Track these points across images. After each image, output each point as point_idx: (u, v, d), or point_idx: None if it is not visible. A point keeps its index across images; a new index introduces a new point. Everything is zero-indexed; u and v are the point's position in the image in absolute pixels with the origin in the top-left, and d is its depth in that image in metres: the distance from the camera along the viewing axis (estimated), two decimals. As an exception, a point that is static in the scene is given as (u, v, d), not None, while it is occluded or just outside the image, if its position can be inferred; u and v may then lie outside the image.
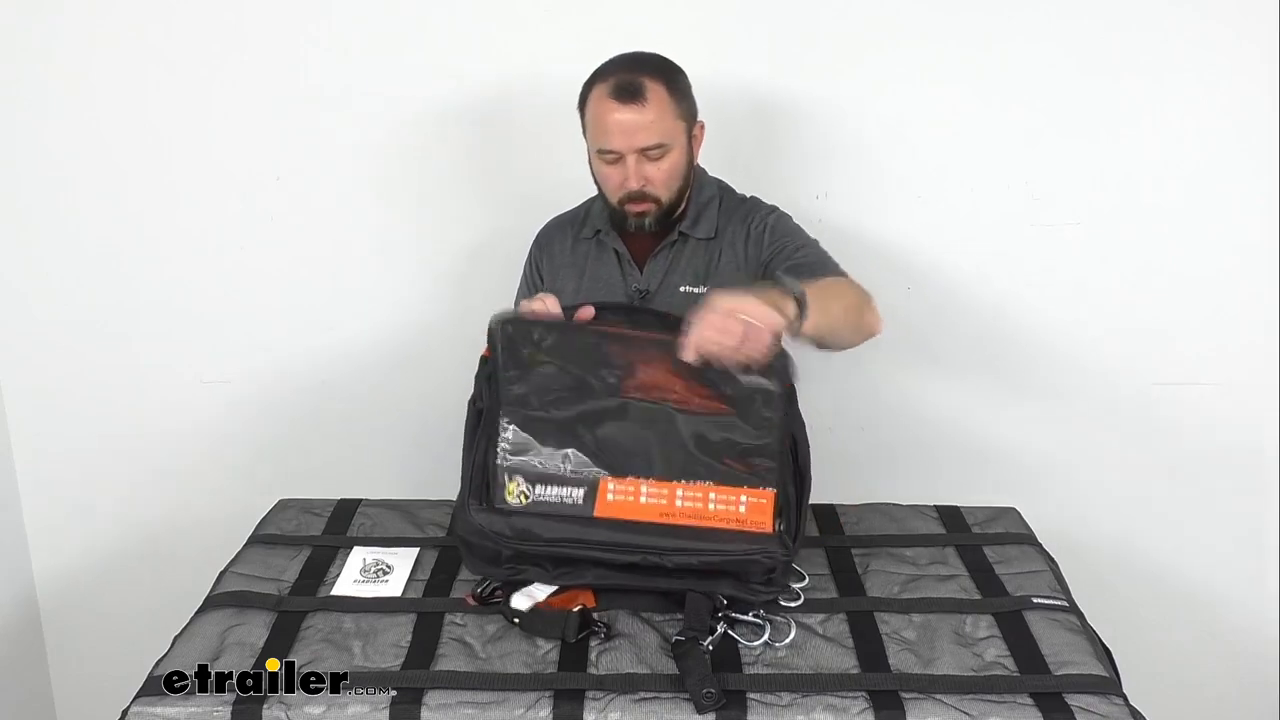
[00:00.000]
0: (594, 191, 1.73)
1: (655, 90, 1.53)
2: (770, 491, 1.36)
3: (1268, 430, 2.00)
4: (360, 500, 1.70)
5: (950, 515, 1.64)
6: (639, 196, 1.58)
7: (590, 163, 1.62)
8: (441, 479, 1.71)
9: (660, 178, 1.58)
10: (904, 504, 1.69)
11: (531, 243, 1.79)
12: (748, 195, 1.73)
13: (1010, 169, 1.91)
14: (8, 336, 2.06)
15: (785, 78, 1.89)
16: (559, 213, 1.80)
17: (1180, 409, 2.00)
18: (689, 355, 1.30)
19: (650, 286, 1.66)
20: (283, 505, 1.70)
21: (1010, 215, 1.93)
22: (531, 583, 1.37)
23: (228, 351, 2.07)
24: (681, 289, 1.65)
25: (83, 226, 2.00)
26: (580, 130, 1.61)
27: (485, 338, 1.39)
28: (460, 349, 2.00)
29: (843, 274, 1.58)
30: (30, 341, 2.06)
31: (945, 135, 1.90)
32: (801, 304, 1.35)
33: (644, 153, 1.55)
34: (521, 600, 1.34)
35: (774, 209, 1.69)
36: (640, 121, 1.52)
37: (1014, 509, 1.68)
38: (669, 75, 1.56)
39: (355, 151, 1.96)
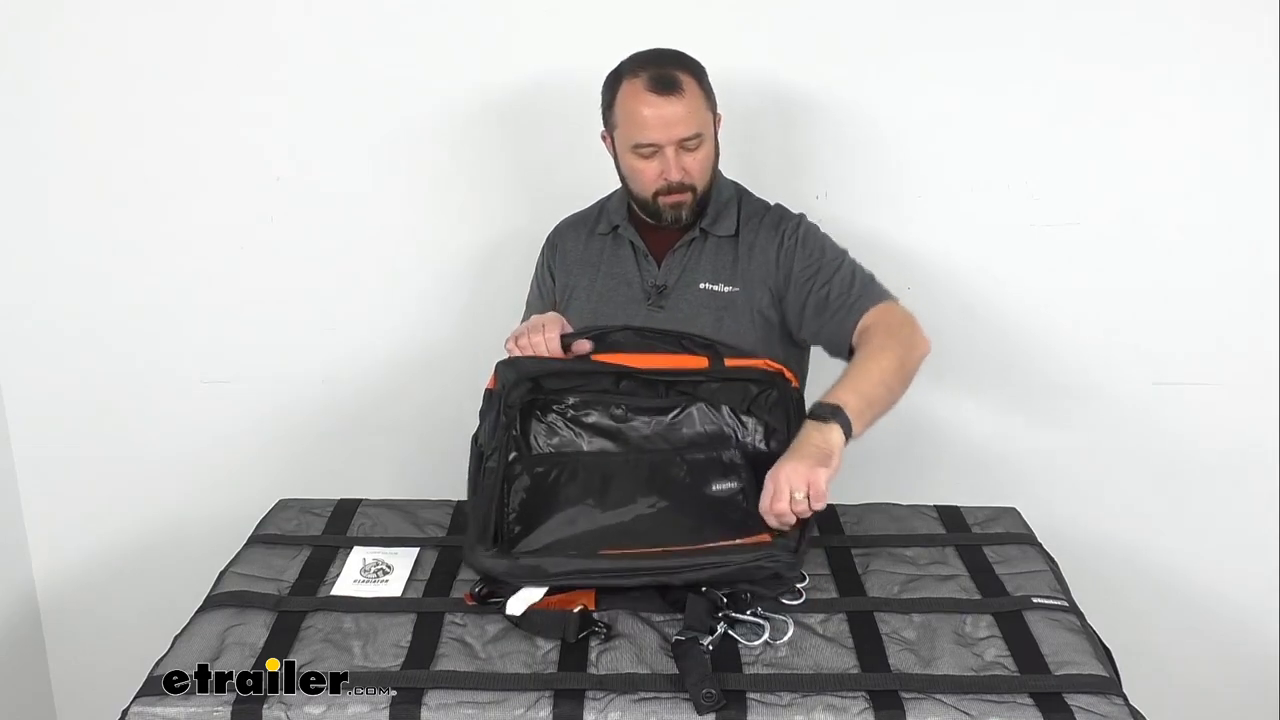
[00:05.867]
0: (604, 193, 1.72)
1: (688, 82, 1.56)
2: None
3: (1268, 430, 1.99)
4: (360, 500, 1.70)
5: (950, 515, 1.64)
6: (678, 187, 1.60)
7: (618, 159, 1.62)
8: (441, 479, 1.71)
9: (697, 167, 1.60)
10: (904, 504, 1.68)
11: (544, 244, 1.79)
12: (771, 202, 1.72)
13: (1010, 169, 1.91)
14: (8, 337, 2.06)
15: (785, 77, 1.89)
16: (569, 213, 1.80)
17: (1180, 409, 2.00)
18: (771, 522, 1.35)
19: (668, 282, 1.66)
20: (283, 505, 1.70)
21: (1010, 215, 1.93)
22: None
23: (229, 352, 2.07)
24: (702, 285, 1.65)
25: (84, 226, 2.00)
26: (596, 127, 1.61)
27: (485, 337, 1.39)
28: (461, 349, 2.01)
29: (883, 296, 1.60)
30: (31, 341, 2.06)
31: (945, 135, 1.90)
32: (847, 430, 1.39)
33: (682, 143, 1.57)
34: (517, 605, 1.33)
35: (801, 217, 1.69)
36: (679, 113, 1.54)
37: (1014, 509, 1.68)
38: (694, 68, 1.59)
39: (356, 152, 1.96)
